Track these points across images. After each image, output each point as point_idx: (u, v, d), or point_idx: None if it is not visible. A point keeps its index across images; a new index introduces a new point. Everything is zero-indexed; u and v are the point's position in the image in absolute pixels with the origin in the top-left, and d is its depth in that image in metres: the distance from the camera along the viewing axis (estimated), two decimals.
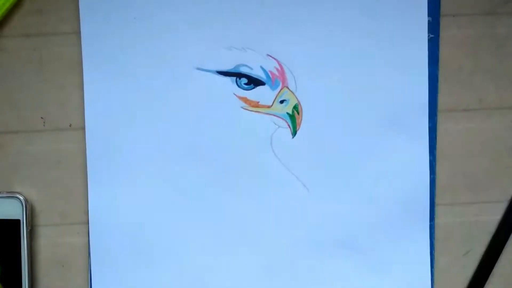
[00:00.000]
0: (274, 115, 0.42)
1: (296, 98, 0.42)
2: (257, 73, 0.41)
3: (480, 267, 0.43)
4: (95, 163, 0.42)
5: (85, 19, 0.41)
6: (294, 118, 0.42)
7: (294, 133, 0.42)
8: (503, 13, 0.42)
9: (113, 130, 0.42)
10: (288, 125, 0.42)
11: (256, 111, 0.42)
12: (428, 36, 0.41)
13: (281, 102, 0.42)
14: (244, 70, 0.41)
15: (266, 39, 0.41)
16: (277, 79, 0.41)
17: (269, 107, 0.42)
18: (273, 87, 0.41)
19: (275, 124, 0.42)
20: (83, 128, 0.42)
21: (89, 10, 0.41)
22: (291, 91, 0.41)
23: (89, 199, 0.42)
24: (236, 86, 0.41)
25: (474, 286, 0.43)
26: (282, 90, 0.41)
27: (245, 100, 0.42)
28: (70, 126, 0.42)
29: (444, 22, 0.42)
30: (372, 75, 0.41)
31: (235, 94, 0.41)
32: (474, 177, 0.43)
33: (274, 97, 0.42)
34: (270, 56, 0.41)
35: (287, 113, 0.42)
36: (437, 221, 0.43)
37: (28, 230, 0.41)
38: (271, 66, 0.41)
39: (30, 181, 0.42)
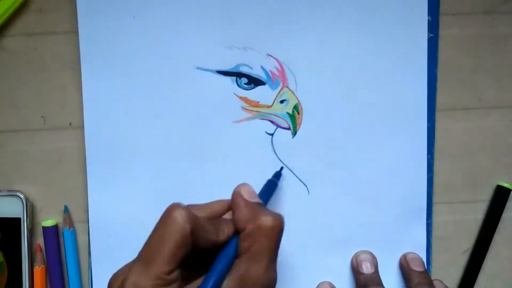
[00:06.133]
0: (275, 115, 0.42)
1: (296, 98, 0.42)
2: (258, 72, 0.41)
3: (469, 265, 0.43)
4: (94, 161, 0.42)
5: (83, 18, 0.41)
6: (294, 118, 0.42)
7: (294, 133, 0.42)
8: (503, 12, 0.42)
9: (113, 128, 0.42)
10: (288, 125, 0.42)
11: (256, 111, 0.42)
12: (428, 35, 0.41)
13: (281, 102, 0.42)
14: (244, 69, 0.41)
15: (266, 38, 0.41)
16: (277, 79, 0.41)
17: (269, 107, 0.42)
18: (273, 87, 0.41)
19: (276, 124, 0.42)
20: (83, 127, 0.42)
21: (87, 9, 0.41)
22: (291, 91, 0.41)
23: (89, 197, 0.42)
24: (236, 86, 0.41)
25: (464, 284, 0.43)
26: (282, 90, 0.41)
27: (245, 100, 0.42)
28: (70, 125, 0.42)
29: (443, 21, 0.42)
30: (372, 75, 0.41)
31: (235, 94, 0.41)
32: (473, 176, 0.43)
33: (274, 97, 0.42)
34: (271, 56, 0.41)
35: (287, 113, 0.42)
36: (435, 219, 0.43)
37: (29, 228, 0.42)
38: (271, 66, 0.41)
39: (30, 179, 0.43)
